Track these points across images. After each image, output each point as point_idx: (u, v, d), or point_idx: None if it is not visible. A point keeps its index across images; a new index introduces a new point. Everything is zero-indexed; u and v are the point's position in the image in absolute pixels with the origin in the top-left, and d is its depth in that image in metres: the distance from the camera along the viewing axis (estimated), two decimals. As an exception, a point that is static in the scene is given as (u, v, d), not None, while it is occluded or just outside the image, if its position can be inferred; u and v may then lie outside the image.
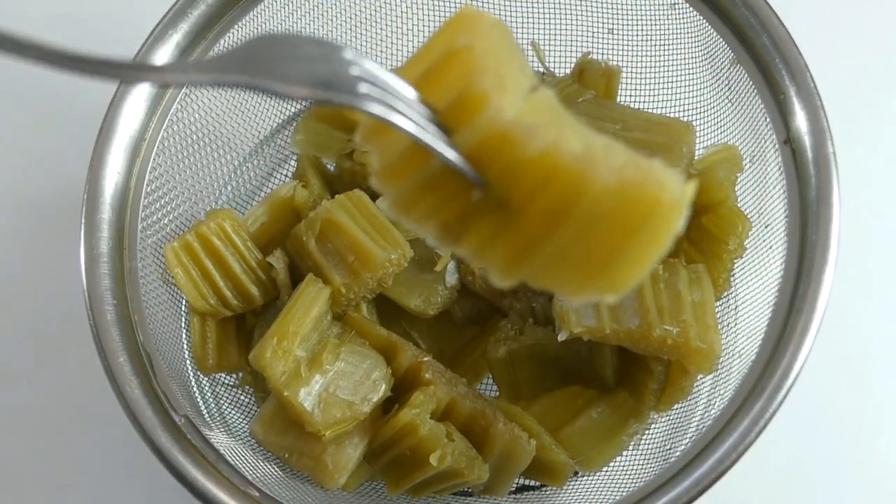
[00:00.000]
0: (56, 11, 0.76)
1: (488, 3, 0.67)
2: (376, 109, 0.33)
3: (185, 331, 0.61)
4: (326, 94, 0.33)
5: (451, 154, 0.34)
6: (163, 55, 0.57)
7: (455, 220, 0.35)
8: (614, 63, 0.65)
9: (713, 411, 0.56)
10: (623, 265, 0.33)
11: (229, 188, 0.68)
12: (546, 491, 0.62)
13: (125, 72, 0.33)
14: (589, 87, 0.62)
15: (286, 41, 0.34)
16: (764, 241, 0.59)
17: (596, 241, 0.33)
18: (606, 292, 0.34)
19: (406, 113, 0.34)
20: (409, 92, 0.35)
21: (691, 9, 0.59)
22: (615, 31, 0.65)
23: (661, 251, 0.33)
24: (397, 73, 0.36)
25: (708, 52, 0.61)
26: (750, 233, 0.59)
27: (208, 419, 0.59)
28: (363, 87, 0.33)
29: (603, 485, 0.59)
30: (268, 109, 0.68)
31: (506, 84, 0.34)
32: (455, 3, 0.67)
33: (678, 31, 0.62)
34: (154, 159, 0.58)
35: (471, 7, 0.36)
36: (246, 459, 0.56)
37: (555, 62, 0.68)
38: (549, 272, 0.34)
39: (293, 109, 0.69)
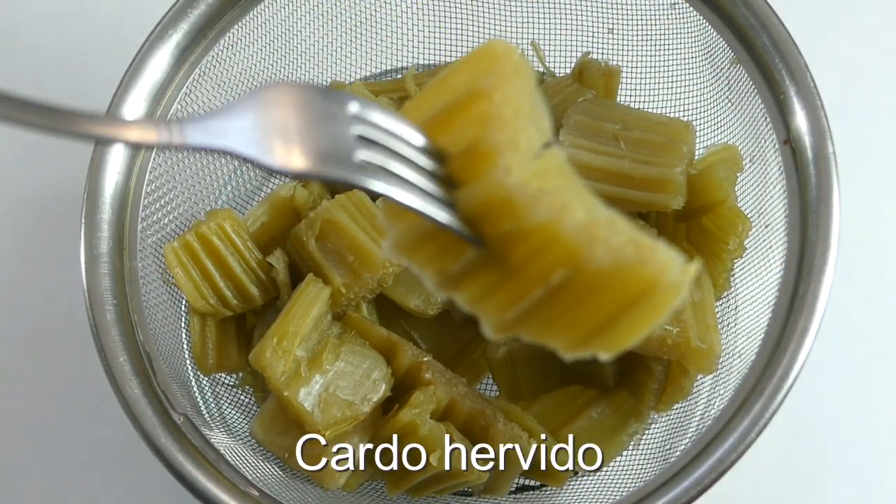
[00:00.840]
0: (56, 11, 0.76)
1: (488, 3, 0.67)
2: (374, 185, 0.33)
3: (185, 331, 0.61)
4: (322, 170, 0.32)
5: (446, 219, 0.34)
6: (163, 55, 0.57)
7: (452, 271, 0.35)
8: (614, 63, 0.65)
9: (713, 411, 0.56)
10: (618, 333, 0.34)
11: (229, 188, 0.68)
12: (546, 491, 0.62)
13: (104, 130, 0.31)
14: (589, 87, 0.62)
15: (286, 100, 0.33)
16: (764, 241, 0.59)
17: (591, 311, 0.33)
18: (600, 352, 0.34)
19: (406, 168, 0.33)
20: (417, 139, 0.35)
21: (691, 9, 0.59)
22: (615, 31, 0.65)
23: (660, 322, 0.33)
24: (410, 108, 0.36)
25: (708, 52, 0.61)
26: (750, 233, 0.59)
27: (208, 419, 0.59)
28: (361, 155, 0.33)
29: (603, 485, 0.59)
30: (268, 109, 0.68)
31: (519, 140, 0.34)
32: (455, 3, 0.67)
33: (678, 31, 0.62)
34: (154, 159, 0.58)
35: (500, 42, 0.36)
36: (246, 459, 0.56)
37: (555, 62, 0.68)
38: (543, 332, 0.35)
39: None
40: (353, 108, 0.34)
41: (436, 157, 0.35)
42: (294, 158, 0.32)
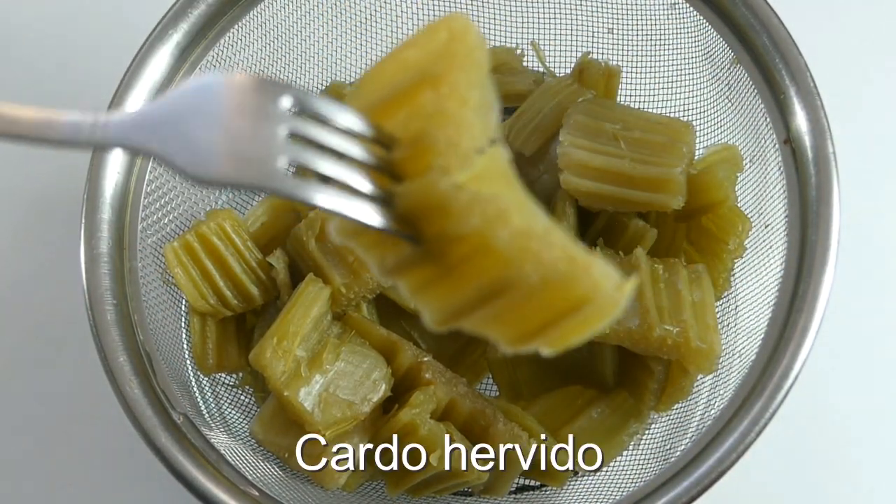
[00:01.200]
0: (56, 11, 0.76)
1: (489, 3, 0.67)
2: (298, 193, 0.31)
3: (185, 331, 0.61)
4: (239, 178, 0.31)
5: (377, 221, 0.33)
6: (163, 55, 0.57)
7: (391, 262, 0.35)
8: (614, 63, 0.65)
9: (713, 411, 0.56)
10: (558, 336, 0.33)
11: (229, 188, 0.68)
12: (546, 491, 0.62)
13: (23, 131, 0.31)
14: (589, 87, 0.62)
15: (213, 96, 0.31)
16: (764, 241, 0.59)
17: (528, 315, 0.33)
18: (542, 348, 0.34)
19: (341, 168, 0.32)
20: (361, 128, 0.33)
21: (691, 9, 0.59)
22: (615, 31, 0.65)
23: (599, 330, 0.33)
24: (362, 86, 0.35)
25: (708, 52, 0.61)
26: (750, 233, 0.59)
27: (208, 419, 0.59)
28: (287, 159, 0.31)
29: (603, 485, 0.59)
30: (268, 109, 0.68)
31: (460, 138, 0.33)
32: (455, 3, 0.67)
33: (678, 31, 0.62)
34: (154, 159, 0.58)
35: (458, 20, 0.34)
36: (246, 459, 0.56)
37: (555, 62, 0.68)
38: (483, 327, 0.34)
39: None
40: (286, 102, 0.32)
41: (384, 143, 0.34)
42: (210, 165, 0.31)
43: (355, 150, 0.33)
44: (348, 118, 0.33)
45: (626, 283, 0.32)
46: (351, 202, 0.33)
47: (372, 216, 0.33)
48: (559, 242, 0.32)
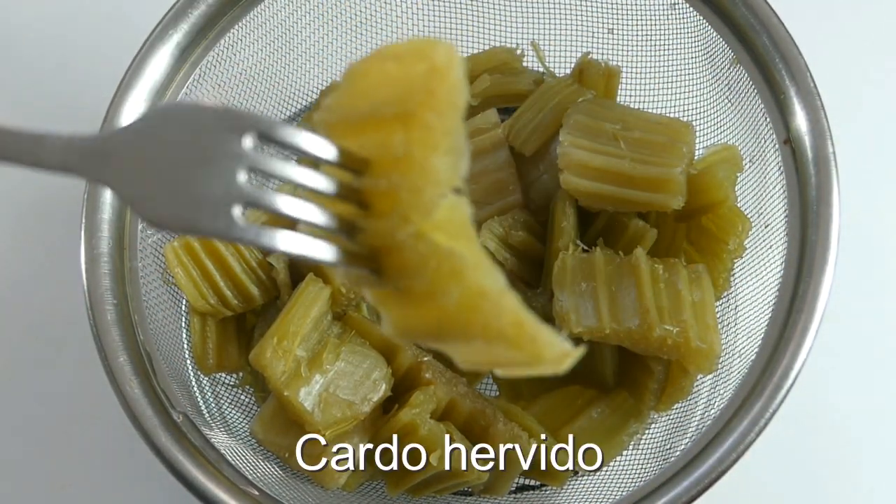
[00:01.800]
0: (56, 11, 0.76)
1: (488, 3, 0.67)
2: (257, 240, 0.31)
3: (185, 331, 0.61)
4: (191, 223, 0.30)
5: (338, 260, 0.33)
6: (163, 55, 0.57)
7: (353, 277, 0.35)
8: (614, 63, 0.65)
9: (713, 411, 0.56)
10: (508, 371, 0.34)
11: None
12: (546, 491, 0.62)
13: None
14: (589, 87, 0.62)
15: (172, 129, 0.31)
16: (764, 241, 0.59)
17: (476, 356, 0.34)
18: (495, 372, 0.35)
19: (302, 205, 0.32)
20: (328, 153, 0.33)
21: (691, 9, 0.59)
22: (615, 31, 0.65)
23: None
24: (337, 98, 0.34)
25: (708, 52, 0.61)
26: (750, 233, 0.59)
27: (208, 419, 0.59)
28: (238, 211, 0.31)
29: (603, 485, 0.59)
30: (268, 108, 0.68)
31: (425, 186, 0.32)
32: (455, 3, 0.67)
33: (678, 31, 0.62)
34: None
35: (444, 50, 0.33)
36: (246, 459, 0.56)
37: (555, 62, 0.68)
38: (438, 346, 0.35)
39: (294, 109, 0.69)
40: (249, 139, 0.31)
41: (354, 167, 0.33)
42: (161, 207, 0.30)
43: (321, 182, 0.33)
44: (316, 146, 0.33)
45: (569, 356, 0.33)
46: (312, 242, 0.33)
47: (334, 253, 0.33)
48: (510, 307, 0.33)
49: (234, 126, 0.31)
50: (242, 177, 0.31)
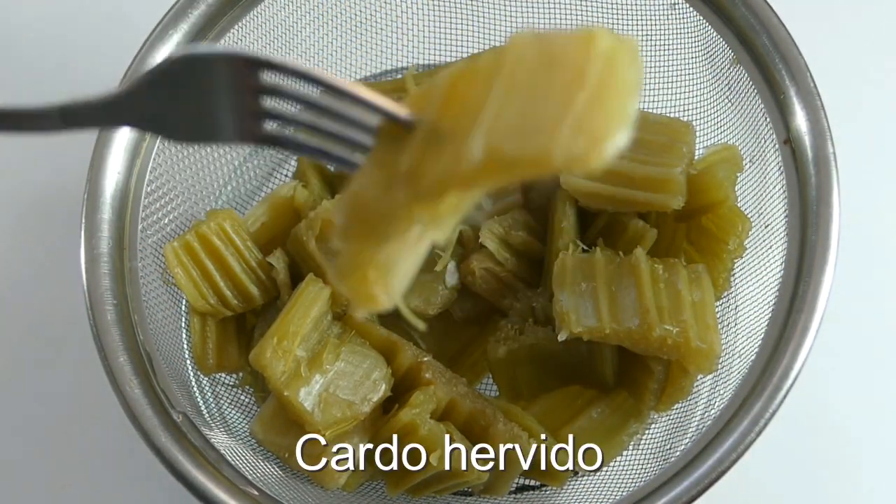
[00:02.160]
0: (56, 11, 0.76)
1: (488, 3, 0.67)
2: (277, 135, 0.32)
3: (185, 331, 0.61)
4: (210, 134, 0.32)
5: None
6: (163, 55, 0.57)
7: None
8: (614, 63, 0.64)
9: (713, 411, 0.56)
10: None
11: (229, 188, 0.68)
12: (546, 491, 0.62)
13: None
14: (589, 87, 0.62)
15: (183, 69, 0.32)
16: (764, 241, 0.59)
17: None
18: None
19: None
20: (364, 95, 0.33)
21: (691, 9, 0.59)
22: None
23: None
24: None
25: (708, 52, 0.61)
26: (750, 233, 0.59)
27: (208, 419, 0.59)
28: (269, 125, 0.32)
29: (603, 485, 0.59)
30: (268, 109, 0.68)
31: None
32: (455, 3, 0.67)
33: (678, 31, 0.62)
34: (154, 159, 0.58)
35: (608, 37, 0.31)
36: (246, 459, 0.56)
37: (555, 62, 0.68)
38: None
39: (294, 108, 0.69)
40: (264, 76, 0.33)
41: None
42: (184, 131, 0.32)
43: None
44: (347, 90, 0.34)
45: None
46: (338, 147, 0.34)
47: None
48: None
49: (253, 63, 0.33)
50: (267, 102, 0.33)
